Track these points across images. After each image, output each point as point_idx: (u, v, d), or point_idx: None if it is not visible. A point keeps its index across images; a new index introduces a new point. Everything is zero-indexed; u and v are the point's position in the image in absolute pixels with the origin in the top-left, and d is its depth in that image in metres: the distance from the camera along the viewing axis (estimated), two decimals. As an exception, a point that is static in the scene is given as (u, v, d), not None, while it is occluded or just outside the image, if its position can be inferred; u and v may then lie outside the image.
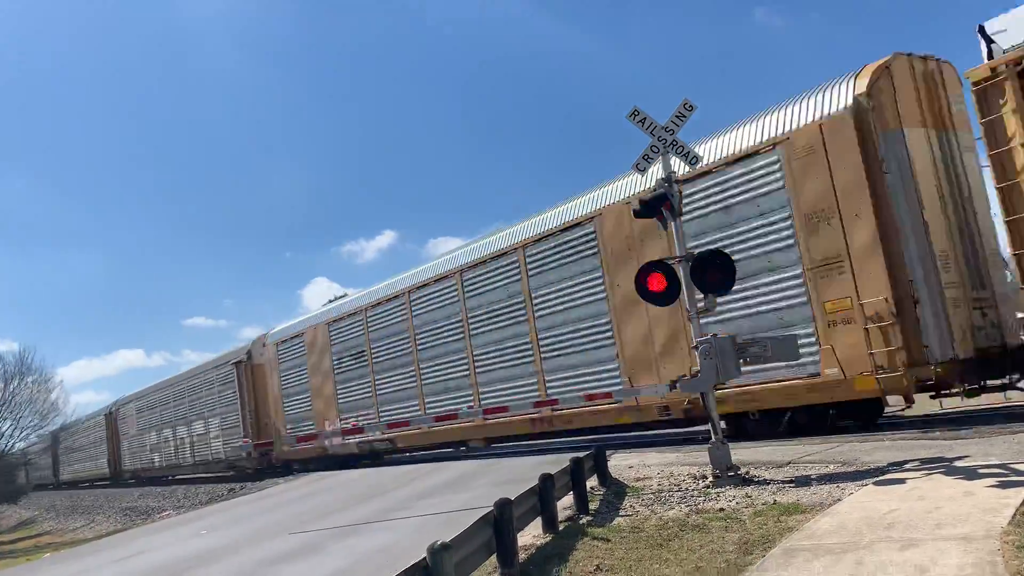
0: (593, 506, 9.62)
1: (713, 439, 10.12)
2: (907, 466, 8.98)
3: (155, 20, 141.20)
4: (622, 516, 9.03)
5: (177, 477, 39.08)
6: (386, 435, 22.23)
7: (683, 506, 9.01)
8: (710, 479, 10.05)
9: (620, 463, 12.75)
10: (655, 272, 10.52)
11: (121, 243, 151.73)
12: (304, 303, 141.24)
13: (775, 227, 12.84)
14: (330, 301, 28.03)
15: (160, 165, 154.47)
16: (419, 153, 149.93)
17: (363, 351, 23.17)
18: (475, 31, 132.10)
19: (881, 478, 8.54)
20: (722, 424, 10.94)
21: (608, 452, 12.70)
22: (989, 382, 12.01)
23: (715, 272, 10.30)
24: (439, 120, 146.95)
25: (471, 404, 18.99)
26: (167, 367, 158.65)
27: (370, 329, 22.94)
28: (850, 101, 11.93)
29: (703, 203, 13.79)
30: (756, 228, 13.11)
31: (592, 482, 10.77)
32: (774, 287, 12.89)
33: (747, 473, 10.06)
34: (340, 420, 24.05)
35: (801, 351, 11.26)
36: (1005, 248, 11.94)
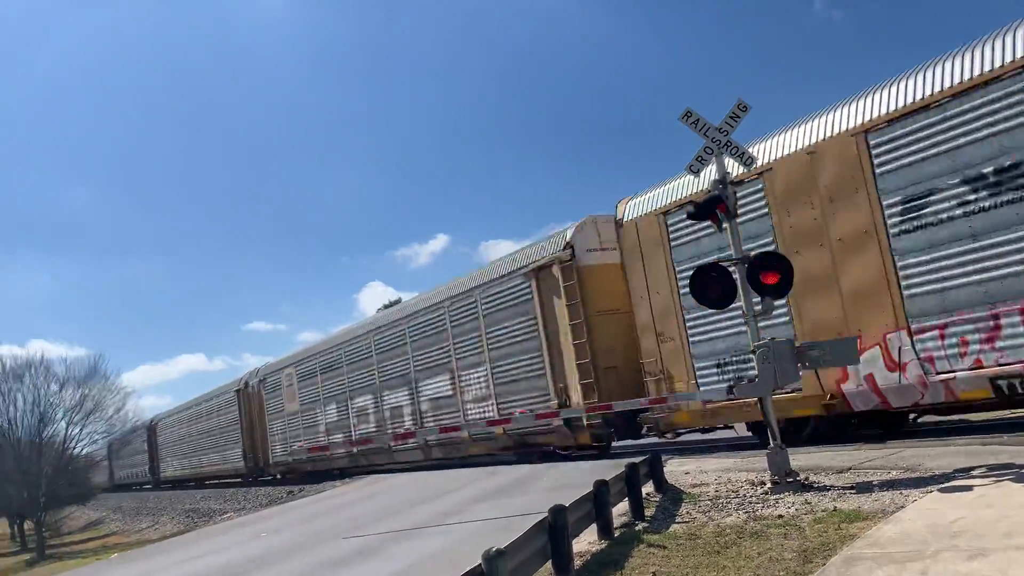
0: (649, 512, 9.54)
1: (772, 444, 9.97)
2: (974, 472, 8.72)
3: (211, 30, 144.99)
4: (678, 523, 8.94)
5: (382, 466, 24.53)
6: None
7: (741, 512, 8.88)
8: (768, 485, 9.89)
9: (676, 469, 12.63)
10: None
11: (182, 251, 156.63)
12: (359, 307, 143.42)
13: None
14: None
15: (220, 174, 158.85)
16: (471, 157, 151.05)
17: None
18: (526, 34, 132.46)
19: (946, 485, 8.31)
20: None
21: (664, 458, 12.61)
22: None
23: (772, 274, 10.12)
24: (491, 123, 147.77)
25: None
26: (228, 370, 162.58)
27: None
28: None
29: None
30: None
31: (648, 488, 10.69)
32: None
33: (806, 479, 9.88)
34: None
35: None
36: None
